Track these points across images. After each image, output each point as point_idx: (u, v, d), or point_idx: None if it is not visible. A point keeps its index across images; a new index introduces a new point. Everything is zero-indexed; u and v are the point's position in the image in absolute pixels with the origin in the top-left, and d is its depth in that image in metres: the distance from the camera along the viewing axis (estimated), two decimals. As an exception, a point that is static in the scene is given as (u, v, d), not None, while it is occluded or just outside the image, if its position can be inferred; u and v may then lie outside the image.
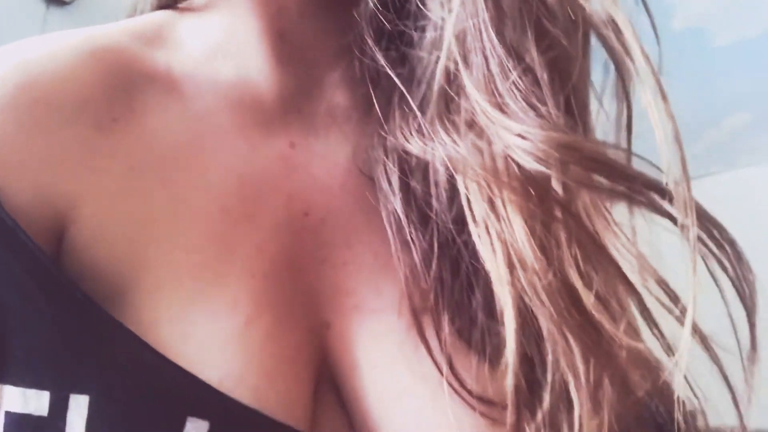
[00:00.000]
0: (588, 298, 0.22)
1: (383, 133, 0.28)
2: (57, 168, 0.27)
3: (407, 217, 0.27)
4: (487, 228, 0.24)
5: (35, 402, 0.23)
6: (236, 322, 0.26)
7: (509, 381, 0.23)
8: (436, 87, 0.25)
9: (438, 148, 0.24)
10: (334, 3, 0.30)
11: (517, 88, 0.22)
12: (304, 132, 0.31)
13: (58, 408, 0.23)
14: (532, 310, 0.23)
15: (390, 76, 0.27)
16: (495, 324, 0.25)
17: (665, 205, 0.21)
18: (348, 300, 0.28)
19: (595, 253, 0.23)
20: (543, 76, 0.22)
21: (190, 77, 0.31)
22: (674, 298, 0.23)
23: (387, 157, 0.28)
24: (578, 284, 0.23)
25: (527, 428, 0.23)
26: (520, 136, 0.21)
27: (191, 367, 0.24)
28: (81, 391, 0.23)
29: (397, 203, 0.27)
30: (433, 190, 0.27)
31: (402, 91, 0.27)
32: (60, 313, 0.24)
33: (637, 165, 0.23)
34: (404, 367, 0.27)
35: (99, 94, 0.29)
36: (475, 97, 0.23)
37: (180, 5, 0.34)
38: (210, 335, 0.25)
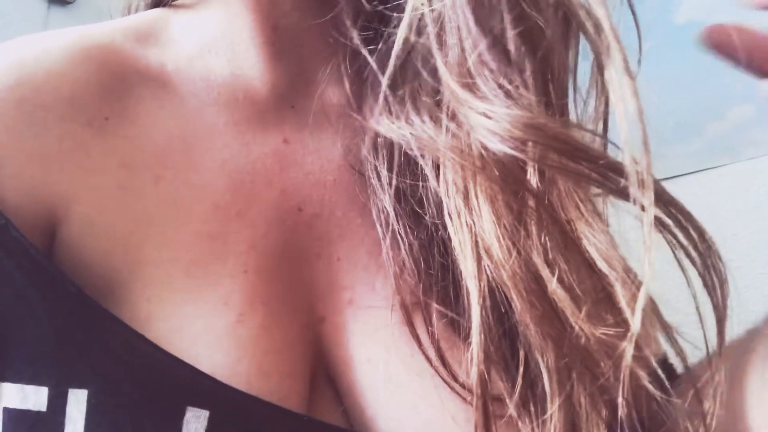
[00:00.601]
0: (551, 287, 0.23)
1: (373, 130, 0.28)
2: (49, 166, 0.27)
3: (396, 213, 0.27)
4: (459, 219, 0.24)
5: (34, 397, 0.23)
6: (228, 319, 0.26)
7: (473, 371, 0.23)
8: (409, 67, 0.25)
9: (405, 127, 0.24)
10: None
11: (488, 70, 0.22)
12: (297, 128, 0.31)
13: (57, 403, 0.23)
14: (506, 300, 0.23)
15: (365, 57, 0.28)
16: None
17: (630, 187, 0.21)
18: (342, 295, 0.29)
19: (564, 242, 0.23)
20: (516, 58, 0.22)
21: (183, 74, 0.31)
22: (640, 288, 0.23)
23: (377, 154, 0.28)
24: (544, 273, 0.23)
25: (495, 417, 0.24)
26: (484, 115, 0.21)
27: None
28: (79, 385, 0.23)
29: (386, 200, 0.28)
30: (421, 185, 0.27)
31: (374, 69, 0.27)
32: (55, 308, 0.24)
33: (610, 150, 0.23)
34: (398, 361, 0.27)
35: (91, 92, 0.29)
36: (445, 78, 0.23)
37: (174, 3, 0.34)
38: (203, 331, 0.25)
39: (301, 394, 0.27)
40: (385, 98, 0.26)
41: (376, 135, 0.28)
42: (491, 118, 0.21)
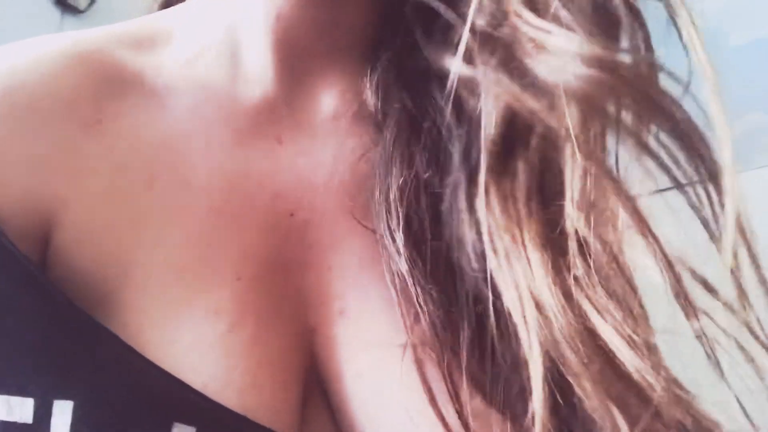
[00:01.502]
0: (606, 337, 0.22)
1: (387, 183, 0.28)
2: (41, 171, 0.26)
3: (413, 277, 0.26)
4: (506, 267, 0.23)
5: (19, 409, 0.22)
6: (220, 327, 0.25)
7: None
8: (483, 17, 0.24)
9: (485, 71, 0.23)
10: None
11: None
12: (291, 127, 0.31)
13: (42, 414, 0.22)
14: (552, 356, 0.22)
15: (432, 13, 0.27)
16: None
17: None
18: (333, 305, 0.28)
19: (616, 277, 0.23)
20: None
21: (181, 76, 0.31)
22: (712, 291, 0.23)
23: (390, 211, 0.27)
24: (601, 326, 0.22)
25: None
26: (569, 41, 0.21)
27: (176, 371, 0.24)
28: (65, 397, 0.22)
29: (402, 264, 0.26)
30: (447, 234, 0.26)
31: (448, 20, 0.26)
32: (43, 318, 0.23)
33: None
34: (388, 376, 0.26)
35: (85, 96, 0.28)
36: (526, 16, 0.22)
37: (177, 6, 0.34)
38: (194, 340, 0.25)
39: (293, 405, 0.26)
40: (459, 45, 0.24)
41: (389, 189, 0.27)
42: (577, 46, 0.21)
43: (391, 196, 0.27)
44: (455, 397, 0.24)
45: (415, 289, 0.26)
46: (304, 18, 0.30)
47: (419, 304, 0.25)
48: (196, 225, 0.27)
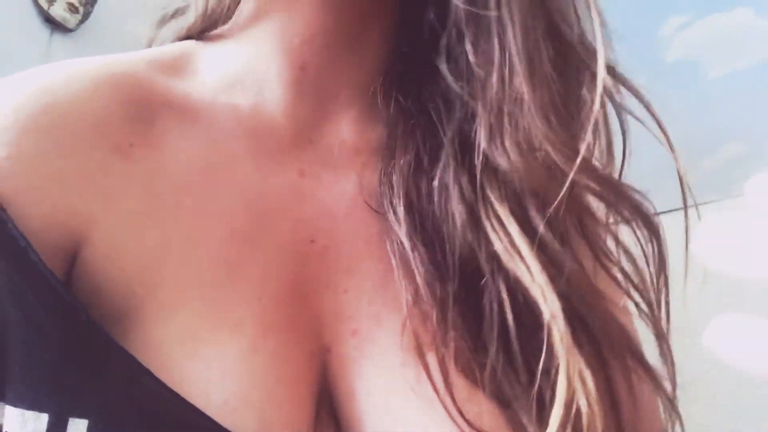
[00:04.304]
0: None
1: (390, 168, 0.30)
2: (74, 190, 0.27)
3: (412, 243, 0.28)
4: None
5: (33, 423, 0.23)
6: (242, 345, 0.26)
7: None
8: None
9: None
10: (359, 38, 0.32)
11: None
12: (313, 161, 0.32)
13: (56, 431, 0.22)
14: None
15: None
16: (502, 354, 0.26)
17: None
18: (347, 326, 0.29)
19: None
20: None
21: (208, 105, 0.32)
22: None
23: (393, 190, 0.30)
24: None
25: None
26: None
27: (197, 387, 0.24)
28: (80, 415, 0.23)
29: (402, 231, 0.28)
30: (440, 208, 0.29)
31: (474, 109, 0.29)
32: (64, 334, 0.24)
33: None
34: (399, 395, 0.27)
35: (117, 118, 0.29)
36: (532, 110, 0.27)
37: (202, 36, 0.35)
38: (216, 357, 0.25)
39: (307, 423, 0.27)
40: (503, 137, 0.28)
41: (392, 174, 0.30)
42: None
43: (394, 179, 0.30)
44: (442, 361, 0.26)
45: (413, 254, 0.28)
46: (328, 65, 0.32)
47: (416, 265, 0.28)
48: (219, 247, 0.28)
